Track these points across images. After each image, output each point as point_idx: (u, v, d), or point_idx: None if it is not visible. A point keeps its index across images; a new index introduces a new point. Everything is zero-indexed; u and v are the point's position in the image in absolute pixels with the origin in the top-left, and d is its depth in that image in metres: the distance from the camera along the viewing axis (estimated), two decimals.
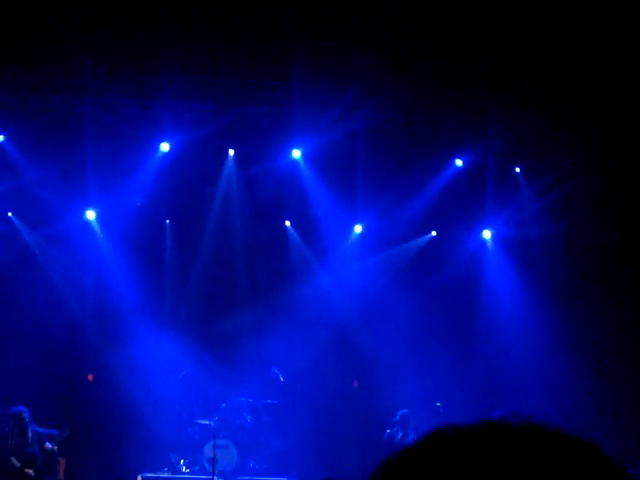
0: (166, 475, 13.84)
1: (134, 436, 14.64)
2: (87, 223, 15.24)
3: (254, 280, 15.37)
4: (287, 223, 15.70)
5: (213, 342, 14.93)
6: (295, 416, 14.75)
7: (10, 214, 15.11)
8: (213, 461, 13.06)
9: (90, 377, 15.21)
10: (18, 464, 12.43)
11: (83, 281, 15.16)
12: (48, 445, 12.62)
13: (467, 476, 1.00)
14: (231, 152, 15.10)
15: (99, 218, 15.26)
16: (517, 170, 15.18)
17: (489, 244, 15.71)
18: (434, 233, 15.68)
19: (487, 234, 15.66)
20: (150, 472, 13.89)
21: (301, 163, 15.02)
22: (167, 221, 15.59)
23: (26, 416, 12.58)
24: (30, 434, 12.54)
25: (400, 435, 13.38)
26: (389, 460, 1.10)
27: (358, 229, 15.59)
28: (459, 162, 15.03)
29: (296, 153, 14.90)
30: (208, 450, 13.72)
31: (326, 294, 15.12)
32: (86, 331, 15.12)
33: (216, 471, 13.06)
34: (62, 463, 13.84)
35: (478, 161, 14.91)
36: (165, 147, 14.64)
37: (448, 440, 1.06)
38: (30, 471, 12.40)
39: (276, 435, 14.64)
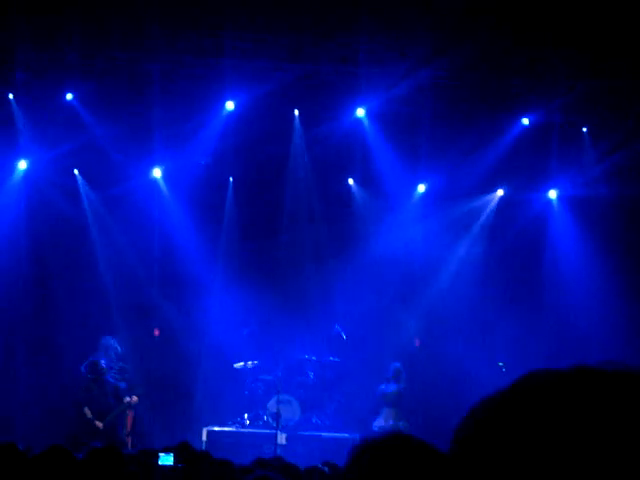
0: (231, 429, 14.08)
1: (199, 391, 14.90)
2: (153, 181, 15.43)
3: (317, 238, 15.43)
4: (350, 181, 15.69)
5: (277, 299, 15.05)
6: (357, 373, 14.83)
7: (76, 172, 15.33)
8: (276, 416, 13.26)
9: (156, 332, 15.50)
10: (90, 415, 12.76)
11: (149, 238, 15.37)
12: (127, 398, 12.93)
13: (564, 419, 1.01)
14: (296, 112, 15.10)
15: (165, 176, 15.43)
16: (584, 130, 14.94)
17: (555, 204, 15.53)
18: (501, 192, 15.54)
19: (553, 194, 15.48)
20: (215, 426, 14.14)
21: (365, 121, 14.98)
22: (230, 178, 15.70)
23: (103, 366, 12.88)
24: (106, 386, 12.85)
25: (394, 388, 13.42)
26: (481, 404, 1.10)
27: (422, 188, 15.52)
28: (525, 121, 14.83)
29: (360, 111, 14.85)
30: (271, 405, 13.93)
31: (389, 253, 15.11)
32: (152, 288, 15.36)
33: (279, 426, 13.26)
34: (130, 415, 14.18)
35: (545, 120, 14.69)
36: (230, 106, 14.70)
37: (543, 383, 1.06)
38: (99, 424, 12.72)
39: (338, 392, 14.78)
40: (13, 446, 4.71)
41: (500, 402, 1.06)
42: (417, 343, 15.57)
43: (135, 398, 12.95)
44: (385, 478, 1.61)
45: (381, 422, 13.46)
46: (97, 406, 12.76)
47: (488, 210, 15.55)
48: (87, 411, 12.74)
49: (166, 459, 6.20)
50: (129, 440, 13.81)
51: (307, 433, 13.89)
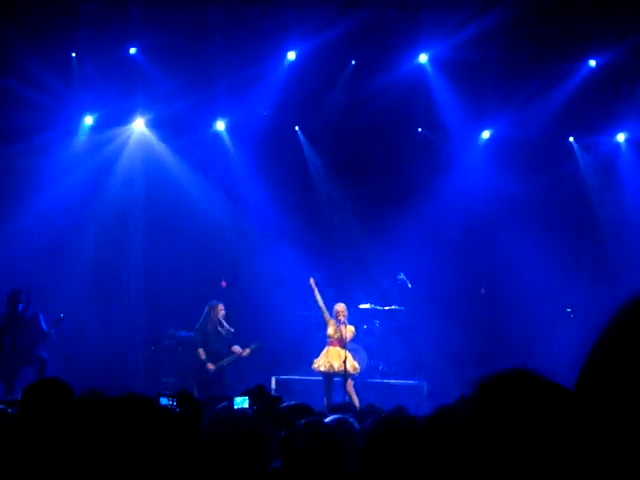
0: (299, 377, 14.24)
1: (267, 340, 15.02)
2: (217, 134, 15.49)
3: (385, 187, 15.36)
4: (419, 129, 15.54)
5: (343, 248, 15.10)
6: (422, 321, 14.85)
7: (143, 122, 15.40)
8: (344, 364, 13.35)
9: (224, 283, 15.65)
10: (203, 356, 13.07)
11: (214, 190, 15.49)
12: (238, 348, 13.16)
13: None
14: (352, 62, 14.93)
15: (228, 128, 15.48)
16: None
17: (623, 147, 15.24)
18: (571, 139, 15.34)
19: (621, 137, 15.19)
20: (282, 375, 14.32)
21: (428, 68, 14.80)
22: (297, 128, 15.67)
23: (221, 309, 13.12)
24: (221, 329, 13.12)
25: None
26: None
27: (487, 134, 15.34)
28: (592, 62, 14.51)
29: (423, 57, 14.67)
30: None
31: (454, 201, 15.02)
32: (219, 238, 15.50)
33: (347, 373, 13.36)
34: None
35: (612, 61, 14.34)
36: (292, 56, 14.64)
37: None
38: (211, 366, 13.02)
39: (404, 340, 14.83)
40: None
41: None
42: (483, 291, 15.51)
43: (247, 351, 13.21)
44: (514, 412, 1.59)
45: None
46: (211, 348, 13.06)
47: (556, 155, 15.35)
48: (201, 352, 13.06)
49: (241, 402, 6.25)
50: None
51: (374, 380, 13.99)
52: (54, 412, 3.79)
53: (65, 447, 3.21)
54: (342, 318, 12.64)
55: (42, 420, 3.75)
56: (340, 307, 12.75)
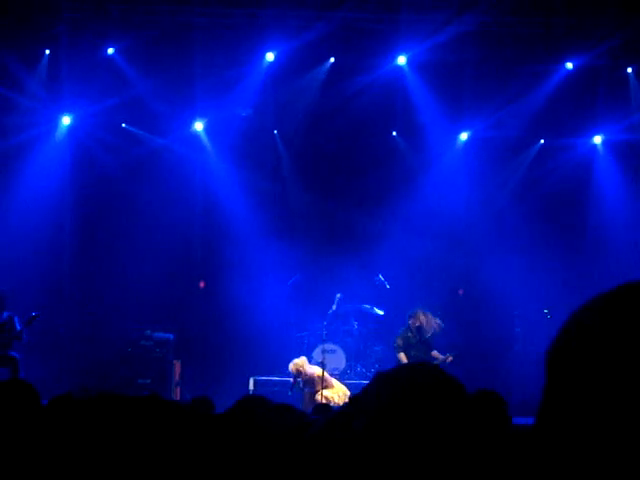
0: (277, 378, 14.24)
1: (246, 341, 15.01)
2: (195, 135, 15.45)
3: (362, 188, 15.39)
4: (394, 133, 15.58)
5: (321, 250, 15.10)
6: (401, 323, 14.88)
7: (124, 125, 15.34)
8: (322, 365, 13.37)
9: (202, 284, 15.62)
10: (404, 360, 13.04)
11: (192, 191, 15.45)
12: (437, 353, 13.06)
13: None
14: (332, 59, 14.94)
15: (207, 129, 15.45)
16: (629, 70, 14.69)
17: (600, 149, 15.34)
18: (542, 141, 15.42)
19: (598, 139, 15.29)
20: (261, 376, 14.30)
21: (406, 69, 14.84)
22: (275, 131, 15.67)
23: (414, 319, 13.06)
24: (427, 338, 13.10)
25: None
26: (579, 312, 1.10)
27: (464, 136, 15.39)
28: (569, 65, 14.60)
29: (402, 59, 14.71)
30: (317, 354, 14.03)
31: (432, 202, 15.06)
32: (196, 239, 15.47)
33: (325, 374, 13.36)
34: (177, 366, 14.37)
35: (589, 63, 14.44)
36: (270, 57, 14.63)
37: None
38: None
39: (382, 341, 14.85)
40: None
41: (602, 309, 1.06)
42: (461, 292, 15.56)
43: (451, 358, 13.16)
44: (398, 404, 1.64)
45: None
46: (411, 353, 13.01)
47: (532, 156, 15.42)
48: (402, 356, 13.01)
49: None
50: (177, 390, 14.02)
51: (353, 381, 13.99)
52: (19, 414, 3.75)
53: (34, 449, 3.17)
54: (303, 377, 12.40)
55: (7, 423, 3.71)
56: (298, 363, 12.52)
